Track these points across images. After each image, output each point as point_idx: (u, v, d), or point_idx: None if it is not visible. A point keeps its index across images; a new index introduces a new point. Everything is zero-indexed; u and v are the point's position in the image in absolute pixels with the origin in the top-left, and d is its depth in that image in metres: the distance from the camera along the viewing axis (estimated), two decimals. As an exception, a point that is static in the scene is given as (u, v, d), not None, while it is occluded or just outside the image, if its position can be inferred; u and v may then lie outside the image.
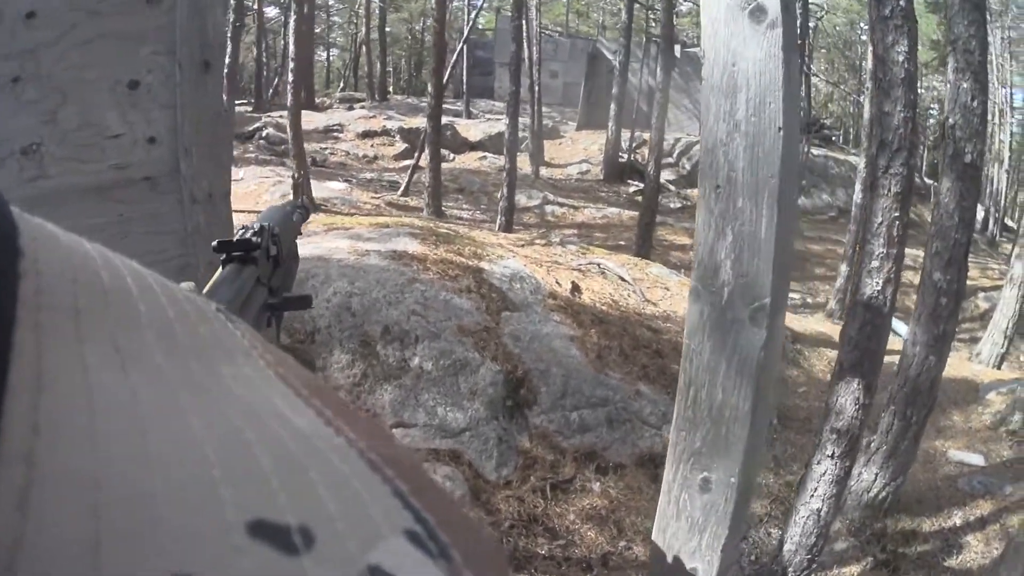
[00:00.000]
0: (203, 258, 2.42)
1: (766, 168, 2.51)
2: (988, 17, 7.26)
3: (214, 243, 1.10)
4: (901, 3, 5.97)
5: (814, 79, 40.56)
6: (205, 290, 0.99)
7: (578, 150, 35.69)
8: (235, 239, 1.16)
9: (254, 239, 1.17)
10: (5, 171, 2.19)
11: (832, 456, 6.02)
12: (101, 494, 0.24)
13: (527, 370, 8.27)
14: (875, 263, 5.98)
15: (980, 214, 29.97)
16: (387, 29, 51.40)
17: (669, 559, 2.96)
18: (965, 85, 7.16)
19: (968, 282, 8.11)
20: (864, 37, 38.46)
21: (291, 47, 17.75)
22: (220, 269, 1.07)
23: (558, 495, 7.36)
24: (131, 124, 2.31)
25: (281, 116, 25.90)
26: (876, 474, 7.77)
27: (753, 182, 2.53)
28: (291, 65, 17.76)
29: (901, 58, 5.93)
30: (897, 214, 5.91)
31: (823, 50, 50.31)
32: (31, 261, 0.30)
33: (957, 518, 8.16)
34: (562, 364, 8.60)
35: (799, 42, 21.05)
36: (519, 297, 9.65)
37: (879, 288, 5.98)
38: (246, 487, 0.28)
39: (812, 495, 6.05)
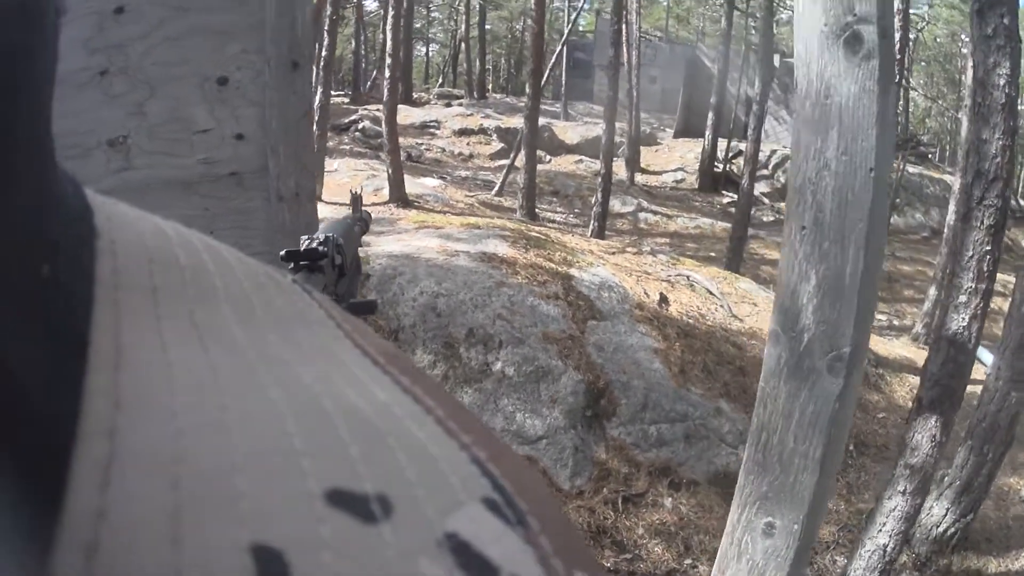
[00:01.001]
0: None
1: (855, 212, 2.43)
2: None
3: (282, 253, 1.14)
4: (1005, 21, 5.82)
5: (912, 93, 39.91)
6: None
7: (674, 157, 35.42)
8: (302, 249, 1.19)
9: (320, 248, 1.20)
10: (91, 162, 2.23)
11: (904, 492, 5.95)
12: (181, 467, 0.25)
13: (609, 381, 8.28)
14: (963, 298, 5.89)
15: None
16: (487, 27, 51.40)
17: None
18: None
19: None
20: (965, 51, 37.76)
21: (388, 41, 17.79)
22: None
23: (629, 508, 7.36)
24: (219, 120, 2.34)
25: (378, 110, 25.97)
26: (947, 509, 7.62)
27: (840, 226, 2.46)
28: (387, 60, 17.81)
29: (1002, 81, 5.79)
30: (988, 248, 5.80)
31: (922, 63, 49.45)
32: (107, 241, 0.32)
33: (1024, 559, 8.01)
34: (644, 377, 8.59)
35: (899, 56, 20.67)
36: (606, 306, 9.64)
37: (965, 324, 5.89)
38: (324, 456, 0.28)
39: (880, 530, 5.99)
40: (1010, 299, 7.43)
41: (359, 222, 1.66)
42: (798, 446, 2.65)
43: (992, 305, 6.37)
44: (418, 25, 54.17)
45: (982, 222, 5.78)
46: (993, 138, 5.76)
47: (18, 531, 0.22)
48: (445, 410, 0.35)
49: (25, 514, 0.23)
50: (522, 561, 0.29)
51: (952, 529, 7.66)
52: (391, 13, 17.90)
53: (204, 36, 2.28)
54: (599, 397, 8.12)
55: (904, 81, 27.32)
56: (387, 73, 17.47)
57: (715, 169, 32.09)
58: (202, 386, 0.28)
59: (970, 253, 5.86)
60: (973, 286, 5.85)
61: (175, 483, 0.24)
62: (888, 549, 5.95)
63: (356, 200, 1.81)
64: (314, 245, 1.21)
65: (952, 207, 18.86)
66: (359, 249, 1.58)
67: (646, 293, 10.74)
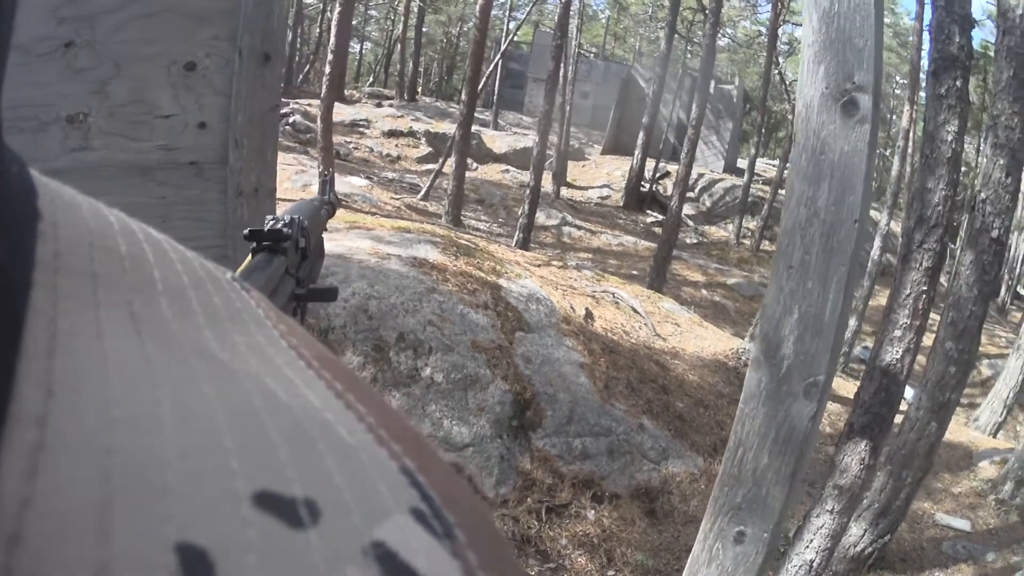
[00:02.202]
0: (242, 252, 2.31)
1: (839, 256, 2.64)
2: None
3: (245, 231, 1.11)
4: (957, 84, 6.06)
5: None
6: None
7: (601, 174, 35.62)
8: (266, 229, 1.17)
9: (284, 230, 1.18)
10: (47, 137, 2.16)
11: (832, 511, 6.11)
12: (112, 459, 0.25)
13: (536, 392, 8.35)
14: (898, 332, 6.10)
15: (993, 281, 29.69)
16: (423, 29, 51.34)
17: None
18: (1001, 162, 7.14)
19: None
20: (899, 91, 38.31)
21: (333, 39, 17.59)
22: (249, 257, 1.10)
23: (553, 519, 7.43)
24: (183, 106, 2.30)
25: (310, 104, 25.88)
26: (865, 530, 7.85)
27: (824, 268, 2.65)
28: (330, 57, 17.68)
29: (949, 137, 6.02)
30: (925, 288, 6.05)
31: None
32: (50, 224, 0.31)
33: (937, 580, 8.22)
34: (570, 390, 8.68)
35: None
36: (534, 318, 9.71)
37: (898, 357, 6.09)
38: (254, 457, 0.28)
39: (807, 546, 6.13)
40: (935, 336, 7.66)
41: (326, 205, 1.65)
42: (772, 462, 2.84)
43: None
44: (355, 22, 53.94)
45: (920, 264, 6.00)
46: (937, 188, 6.00)
47: None
48: (377, 417, 0.36)
49: None
50: (447, 573, 0.29)
51: (869, 549, 7.89)
52: (338, 8, 17.78)
53: (176, 17, 2.24)
54: (525, 408, 8.18)
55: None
56: (327, 69, 17.25)
57: (641, 188, 32.34)
58: (136, 378, 0.28)
59: (907, 291, 6.08)
60: (908, 322, 6.07)
61: (105, 475, 0.24)
62: (814, 565, 6.11)
63: (325, 183, 1.78)
64: (279, 226, 1.19)
65: (877, 242, 19.23)
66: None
67: (572, 307, 10.82)
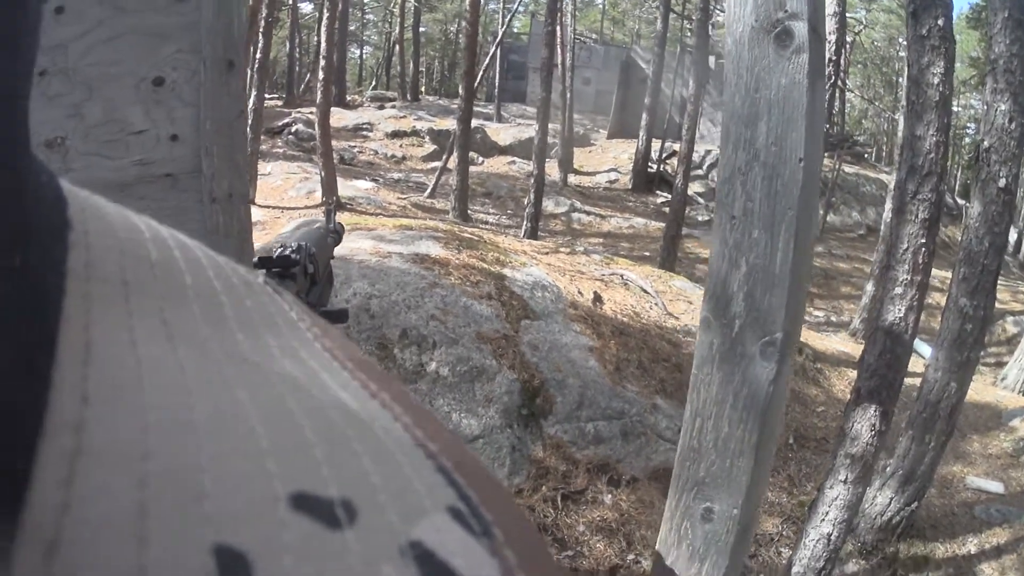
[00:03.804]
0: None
1: (784, 200, 2.47)
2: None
3: (255, 259, 1.17)
4: (939, 23, 5.93)
5: (849, 95, 40.34)
6: None
7: (607, 158, 35.74)
8: (275, 256, 1.22)
9: (292, 256, 1.23)
10: None
11: (845, 481, 6.01)
12: (148, 465, 0.24)
13: (544, 379, 8.31)
14: (898, 290, 5.97)
15: (1013, 236, 29.42)
16: (421, 29, 51.56)
17: None
18: (1003, 107, 7.04)
19: (997, 305, 8.05)
20: (903, 53, 38.24)
21: (323, 44, 17.75)
22: None
23: (569, 506, 7.37)
24: (155, 121, 2.25)
25: (311, 113, 26.02)
26: (891, 498, 7.74)
27: (770, 214, 2.49)
28: (322, 63, 17.79)
29: (936, 80, 5.89)
30: (923, 241, 5.90)
31: (860, 65, 50.12)
32: (80, 233, 0.31)
33: (972, 546, 8.10)
34: (579, 375, 8.63)
35: (835, 58, 20.87)
36: (540, 306, 9.68)
37: (901, 315, 5.97)
38: (290, 459, 0.28)
39: (823, 519, 6.03)
40: (947, 293, 7.56)
41: (332, 233, 1.72)
42: (733, 431, 2.67)
43: (930, 300, 6.46)
44: (352, 27, 54.21)
45: (916, 215, 5.87)
46: (927, 134, 5.86)
47: None
48: (412, 417, 0.35)
49: None
50: (486, 572, 0.29)
51: (897, 517, 7.78)
52: (326, 15, 17.89)
53: (140, 36, 2.22)
54: (535, 396, 8.14)
55: (841, 83, 27.63)
56: (320, 76, 17.44)
57: (648, 169, 32.44)
58: (170, 384, 0.28)
59: (905, 246, 5.94)
60: (908, 278, 5.93)
61: (142, 481, 0.24)
62: (832, 538, 6.01)
63: (330, 212, 1.88)
64: (287, 252, 1.24)
65: (889, 204, 19.12)
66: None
67: (580, 292, 10.80)
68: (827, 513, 6.02)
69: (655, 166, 32.98)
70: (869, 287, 18.11)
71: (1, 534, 0.22)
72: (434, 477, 0.32)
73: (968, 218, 7.47)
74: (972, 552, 8.02)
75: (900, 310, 5.98)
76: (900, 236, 6.01)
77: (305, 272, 1.27)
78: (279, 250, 1.26)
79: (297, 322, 0.38)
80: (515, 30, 47.79)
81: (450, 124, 29.09)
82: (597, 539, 7.10)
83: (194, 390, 0.28)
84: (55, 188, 0.33)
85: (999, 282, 7.73)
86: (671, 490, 2.85)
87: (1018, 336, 17.62)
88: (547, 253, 13.32)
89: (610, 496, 7.61)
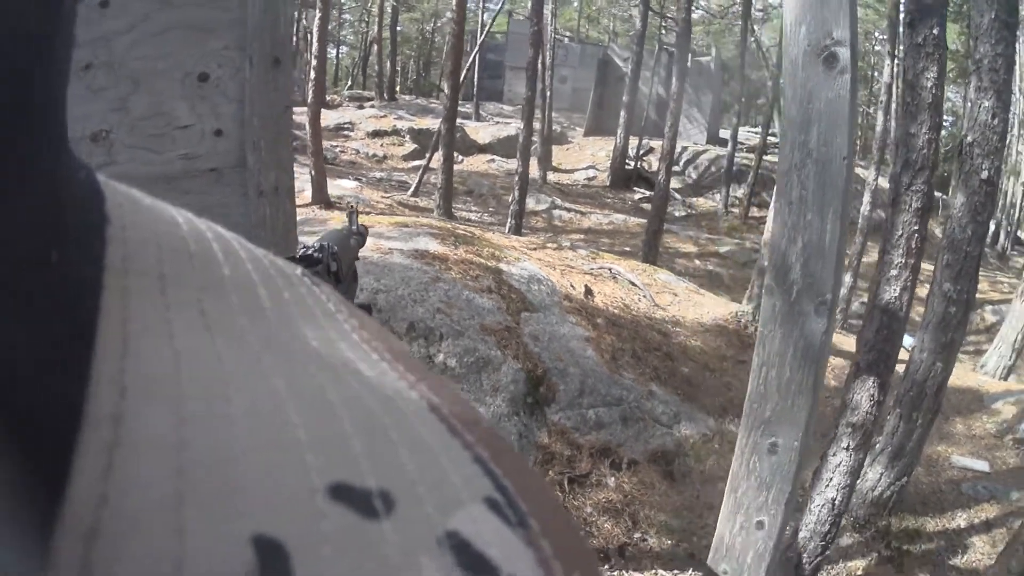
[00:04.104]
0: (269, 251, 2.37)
1: (831, 190, 3.05)
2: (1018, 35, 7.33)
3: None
4: (934, 32, 6.25)
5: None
6: None
7: (585, 156, 35.62)
8: (298, 255, 1.27)
9: (316, 255, 1.29)
10: None
11: (847, 448, 6.32)
12: (185, 456, 0.25)
13: (546, 369, 8.57)
14: (894, 272, 6.32)
15: (992, 227, 29.40)
16: (398, 28, 51.21)
17: (740, 517, 3.46)
18: (987, 103, 7.36)
19: (976, 295, 8.31)
20: (878, 48, 38.24)
21: (315, 45, 17.69)
22: None
23: (575, 489, 7.60)
24: (200, 116, 2.36)
25: (297, 112, 25.82)
26: (881, 473, 8.07)
27: (820, 200, 3.07)
28: (313, 62, 17.76)
29: (930, 84, 6.20)
30: (916, 228, 6.25)
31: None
32: (118, 228, 0.32)
33: (961, 520, 8.39)
34: (579, 364, 8.89)
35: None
36: (537, 299, 9.92)
37: (896, 295, 6.29)
38: (328, 450, 0.28)
39: (827, 485, 6.29)
40: (931, 280, 7.86)
41: (356, 235, 1.73)
42: (794, 375, 3.23)
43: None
44: (330, 27, 53.72)
45: (910, 205, 6.21)
46: (920, 132, 6.17)
47: (21, 515, 0.23)
48: (450, 408, 0.36)
49: (28, 499, 0.24)
50: (522, 562, 0.29)
51: (888, 492, 8.12)
52: (318, 15, 17.83)
53: (186, 31, 2.30)
54: (538, 384, 8.37)
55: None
56: (312, 75, 17.44)
57: (626, 166, 32.34)
58: (207, 375, 0.29)
59: (899, 232, 6.30)
60: (903, 261, 6.27)
61: (179, 472, 0.25)
62: (836, 502, 6.26)
63: (352, 213, 1.90)
64: (309, 252, 1.29)
65: (867, 198, 19.36)
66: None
67: (572, 285, 11.04)
68: (831, 479, 6.28)
69: (632, 163, 32.94)
70: (848, 279, 18.31)
71: (42, 527, 0.23)
72: (471, 467, 0.32)
73: (952, 208, 7.72)
74: (962, 526, 8.29)
75: (896, 290, 6.30)
76: (895, 224, 6.35)
77: (328, 271, 1.30)
78: (301, 250, 1.29)
79: (335, 313, 0.39)
80: (492, 29, 47.67)
81: (430, 123, 29.10)
82: (604, 519, 7.33)
83: (231, 381, 0.29)
84: (92, 183, 0.33)
85: (979, 273, 8.04)
86: (741, 430, 3.43)
87: (997, 324, 17.88)
88: (535, 248, 13.53)
89: (613, 479, 7.85)
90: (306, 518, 0.25)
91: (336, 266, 1.36)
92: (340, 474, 0.27)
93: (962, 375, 12.03)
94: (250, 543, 0.23)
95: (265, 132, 2.53)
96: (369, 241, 8.53)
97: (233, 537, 0.23)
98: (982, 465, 9.64)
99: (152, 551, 0.22)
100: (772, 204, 3.40)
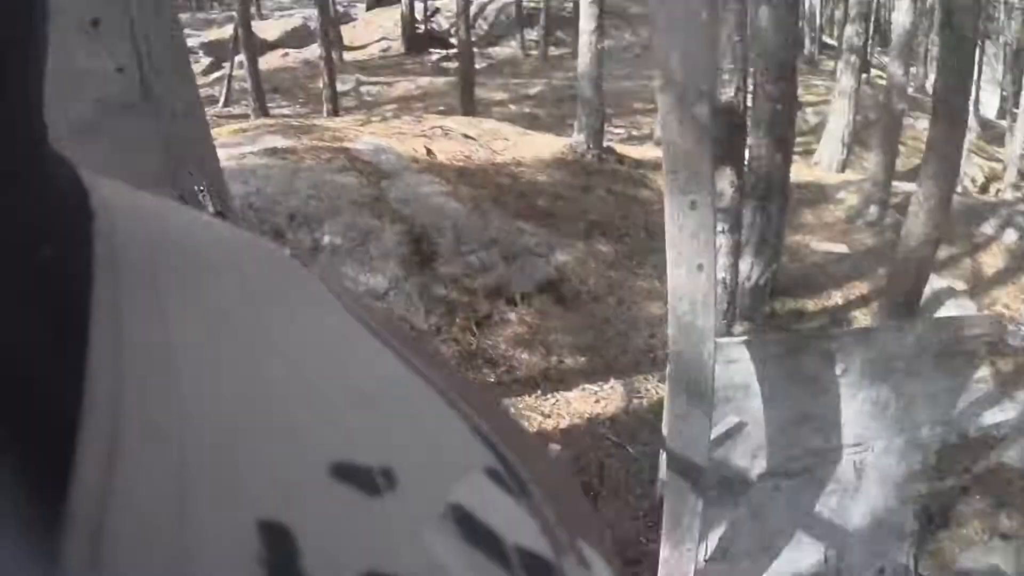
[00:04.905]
0: (192, 166, 2.44)
1: None
2: None
3: None
4: None
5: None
6: None
7: (374, 29, 35.24)
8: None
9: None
10: None
11: (724, 231, 6.98)
12: (186, 445, 0.25)
13: (423, 226, 8.99)
14: (726, 76, 6.99)
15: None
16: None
17: (683, 266, 4.29)
18: None
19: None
20: None
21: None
22: None
23: (484, 329, 8.13)
24: (100, 58, 2.33)
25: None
26: (752, 263, 8.66)
27: None
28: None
29: None
30: (739, 38, 7.06)
31: None
32: (105, 222, 0.31)
33: (838, 297, 9.30)
34: (448, 217, 9.32)
35: None
36: (388, 166, 10.23)
37: (732, 95, 6.96)
38: (328, 430, 0.29)
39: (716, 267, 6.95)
40: (754, 83, 8.52)
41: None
42: (694, 147, 4.09)
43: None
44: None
45: (730, 21, 6.97)
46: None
47: (26, 512, 0.23)
48: (447, 381, 0.36)
49: (32, 496, 0.23)
50: (526, 531, 0.30)
51: (762, 279, 8.78)
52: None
53: None
54: (419, 243, 8.77)
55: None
56: None
57: (417, 31, 32.26)
58: (203, 363, 0.29)
59: (724, 41, 6.94)
60: (733, 66, 7.08)
61: (181, 461, 0.25)
62: (727, 281, 7.11)
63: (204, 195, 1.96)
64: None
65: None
66: None
67: (414, 149, 11.30)
68: (717, 260, 6.91)
69: (422, 27, 32.91)
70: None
71: (47, 524, 0.22)
72: (470, 439, 0.33)
73: (760, 19, 8.22)
74: (840, 303, 9.20)
75: (731, 91, 7.06)
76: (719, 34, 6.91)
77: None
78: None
79: (327, 293, 0.39)
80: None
81: (218, 33, 28.50)
82: (520, 351, 7.91)
83: (227, 368, 0.29)
84: (76, 178, 0.33)
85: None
86: (667, 198, 4.33)
87: (819, 126, 19.08)
88: (364, 124, 13.71)
89: (514, 314, 8.42)
90: (309, 500, 0.26)
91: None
92: (341, 453, 0.28)
93: (801, 171, 12.86)
94: (256, 529, 0.24)
95: (163, 60, 2.49)
96: (222, 151, 8.65)
97: (239, 524, 0.24)
98: (842, 247, 10.50)
99: (158, 541, 0.23)
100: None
